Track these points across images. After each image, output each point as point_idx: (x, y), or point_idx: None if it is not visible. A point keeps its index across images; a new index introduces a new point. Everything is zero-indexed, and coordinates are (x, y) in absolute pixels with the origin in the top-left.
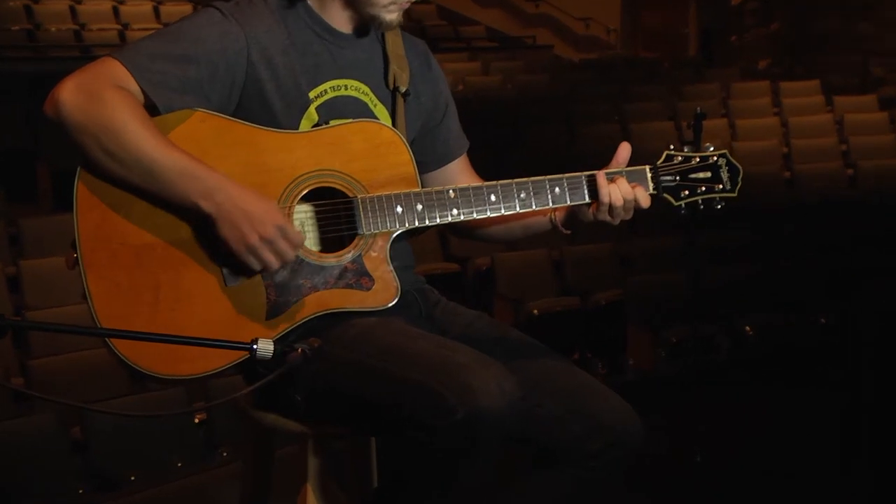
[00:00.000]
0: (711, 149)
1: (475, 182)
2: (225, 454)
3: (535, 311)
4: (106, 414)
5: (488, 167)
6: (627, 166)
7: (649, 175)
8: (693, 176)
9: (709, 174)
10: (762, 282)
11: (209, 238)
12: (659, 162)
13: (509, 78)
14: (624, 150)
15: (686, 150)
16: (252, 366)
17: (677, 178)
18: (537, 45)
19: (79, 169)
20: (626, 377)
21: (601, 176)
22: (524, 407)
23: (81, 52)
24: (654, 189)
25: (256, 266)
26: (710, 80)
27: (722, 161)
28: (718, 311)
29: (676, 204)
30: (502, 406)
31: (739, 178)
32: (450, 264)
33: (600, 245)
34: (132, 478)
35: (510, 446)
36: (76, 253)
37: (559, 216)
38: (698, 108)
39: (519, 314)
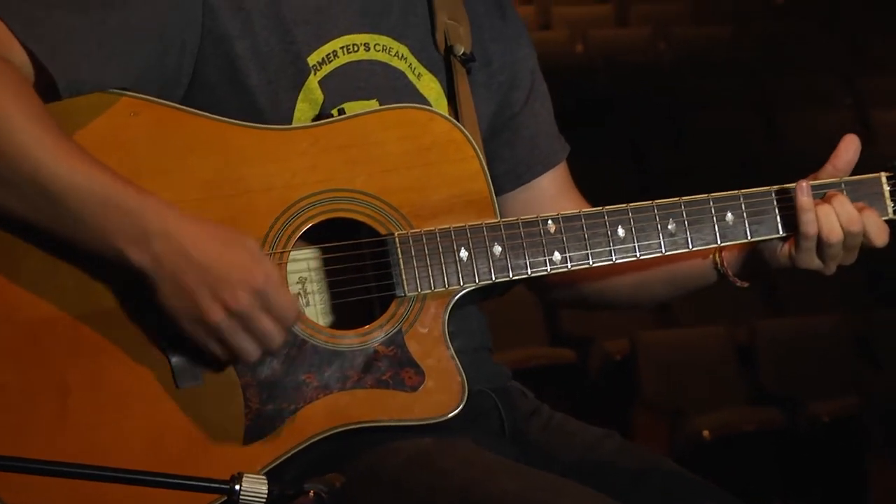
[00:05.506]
0: None
1: (583, 207)
2: None
3: (706, 433)
4: None
5: (625, 184)
6: (853, 173)
7: (887, 187)
8: None
9: None
10: None
11: (148, 307)
12: None
13: (663, 30)
14: (849, 146)
15: None
16: None
17: None
18: None
19: None
20: None
21: (803, 190)
22: None
23: None
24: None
25: (223, 356)
26: None
27: None
28: None
29: None
30: None
31: None
32: (560, 350)
33: (819, 318)
34: None
35: None
36: None
37: (730, 257)
38: None
39: (677, 435)
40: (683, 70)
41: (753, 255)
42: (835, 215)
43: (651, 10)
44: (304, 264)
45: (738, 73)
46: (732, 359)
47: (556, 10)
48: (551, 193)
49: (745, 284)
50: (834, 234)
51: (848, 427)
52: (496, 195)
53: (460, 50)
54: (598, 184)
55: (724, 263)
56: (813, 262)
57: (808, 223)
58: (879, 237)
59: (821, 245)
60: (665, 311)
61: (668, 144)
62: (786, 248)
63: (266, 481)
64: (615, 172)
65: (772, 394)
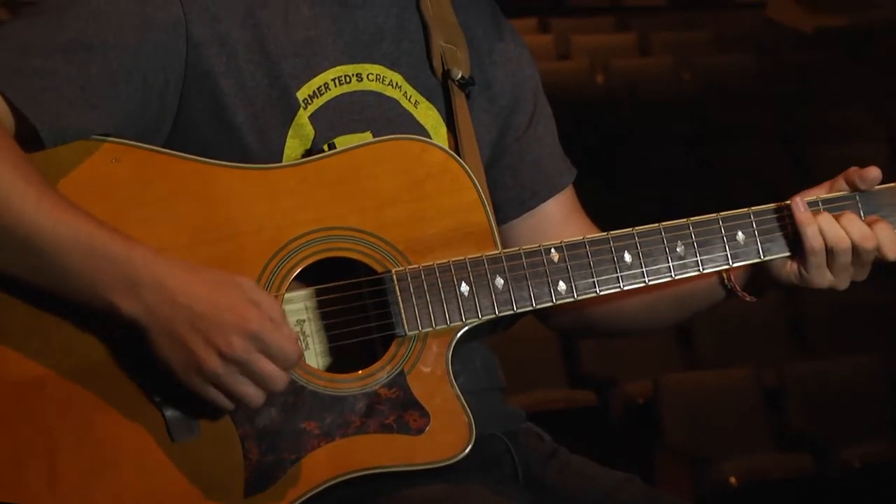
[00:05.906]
0: None
1: (589, 232)
2: None
3: (733, 479)
4: None
5: (647, 218)
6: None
7: None
8: None
9: None
10: None
11: (140, 359)
12: None
13: (686, 60)
14: (868, 173)
15: None
16: None
17: None
18: (737, 1)
19: None
20: None
21: (798, 206)
22: None
23: None
24: None
25: (224, 403)
26: None
27: None
28: None
29: None
30: None
31: None
32: (580, 392)
33: (851, 359)
34: None
35: None
36: None
37: (736, 271)
38: None
39: (702, 482)
40: (708, 101)
41: (759, 270)
42: (838, 224)
43: (674, 38)
44: (300, 305)
45: (764, 103)
46: (760, 402)
47: (575, 39)
48: (558, 219)
49: (754, 299)
50: (841, 241)
51: (881, 474)
52: (501, 223)
53: (458, 74)
54: (618, 216)
55: (732, 278)
56: (825, 279)
57: (813, 237)
58: (892, 251)
59: (831, 260)
60: (689, 352)
61: (691, 177)
62: (794, 267)
63: None
64: (636, 205)
65: (801, 438)
